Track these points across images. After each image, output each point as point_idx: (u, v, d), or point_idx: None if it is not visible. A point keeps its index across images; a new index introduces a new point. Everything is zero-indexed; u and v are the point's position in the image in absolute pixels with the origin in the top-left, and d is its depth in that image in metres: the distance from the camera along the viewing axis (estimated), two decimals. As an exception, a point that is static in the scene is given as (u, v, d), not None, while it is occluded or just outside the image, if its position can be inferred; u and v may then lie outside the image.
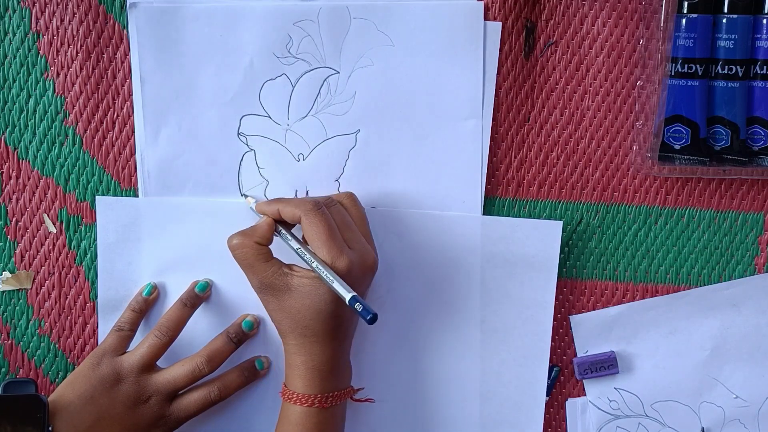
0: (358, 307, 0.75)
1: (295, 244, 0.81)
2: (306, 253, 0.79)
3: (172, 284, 0.89)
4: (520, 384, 0.90)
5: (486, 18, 0.87)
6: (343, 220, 0.81)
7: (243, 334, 0.88)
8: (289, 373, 0.82)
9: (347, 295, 0.76)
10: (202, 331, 0.89)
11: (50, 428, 0.78)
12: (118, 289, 0.89)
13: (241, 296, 0.89)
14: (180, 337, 0.87)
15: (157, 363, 0.86)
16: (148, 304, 0.89)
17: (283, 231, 0.82)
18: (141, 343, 0.85)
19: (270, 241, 0.82)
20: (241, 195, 0.88)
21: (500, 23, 0.87)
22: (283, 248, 0.82)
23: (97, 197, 0.88)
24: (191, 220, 0.89)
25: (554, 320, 0.90)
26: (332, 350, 0.81)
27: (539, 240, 0.89)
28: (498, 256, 0.89)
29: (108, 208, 0.88)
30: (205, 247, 0.88)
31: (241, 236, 0.81)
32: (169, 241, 0.89)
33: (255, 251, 0.80)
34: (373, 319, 0.75)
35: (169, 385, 0.84)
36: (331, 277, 0.77)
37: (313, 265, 0.78)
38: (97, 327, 0.90)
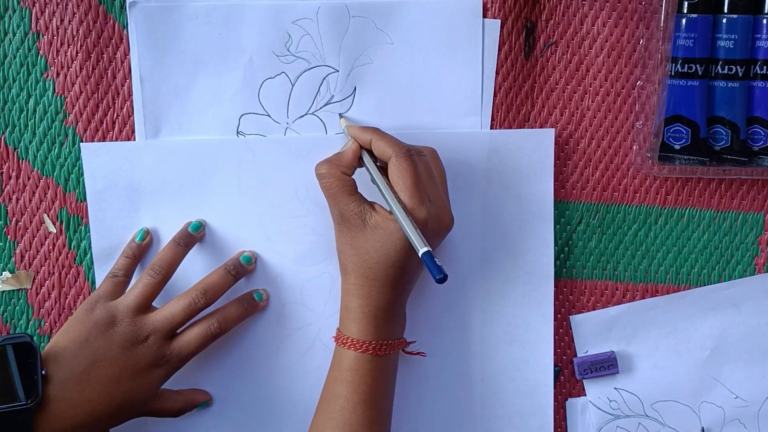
0: (429, 263, 0.74)
1: (380, 180, 0.80)
2: (389, 193, 0.79)
3: (166, 229, 0.88)
4: (525, 301, 0.90)
5: (485, 17, 0.87)
6: (429, 174, 0.81)
7: (241, 268, 0.87)
8: (344, 317, 0.82)
9: (422, 248, 0.75)
10: (198, 274, 0.88)
11: (43, 372, 0.76)
12: (111, 238, 0.88)
13: (237, 237, 0.89)
14: (176, 281, 0.85)
15: (153, 305, 0.84)
16: (141, 249, 0.87)
17: (369, 162, 0.82)
18: (135, 285, 0.84)
19: (354, 170, 0.82)
20: (339, 115, 0.87)
21: (499, 20, 0.87)
22: (365, 182, 0.82)
23: (81, 144, 0.88)
24: (181, 161, 0.88)
25: (554, 320, 0.90)
26: (390, 298, 0.81)
27: (533, 150, 0.89)
28: (493, 170, 0.89)
29: (93, 155, 0.88)
30: (198, 188, 0.88)
31: (328, 165, 0.81)
32: (161, 185, 0.88)
33: (340, 182, 0.80)
34: (442, 279, 0.74)
35: (166, 322, 0.82)
36: (410, 226, 0.76)
37: (393, 207, 0.77)
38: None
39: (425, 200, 0.78)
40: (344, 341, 0.81)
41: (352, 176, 0.82)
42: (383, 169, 0.81)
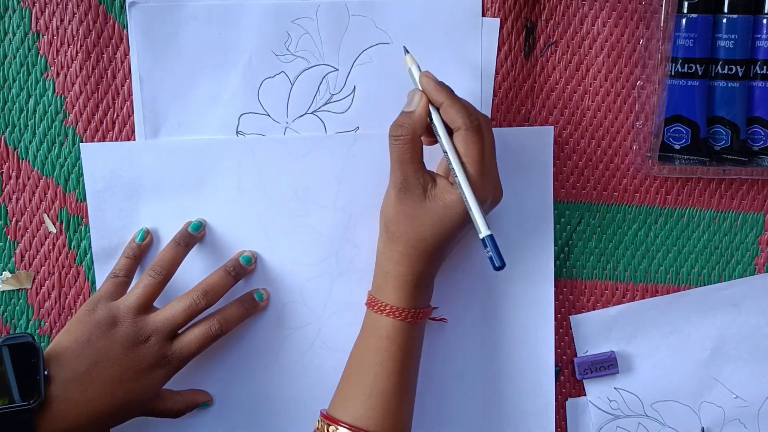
0: (488, 249, 0.74)
1: (451, 150, 0.78)
2: (458, 167, 0.77)
3: (166, 229, 0.88)
4: (525, 302, 0.90)
5: (484, 16, 0.87)
6: (491, 149, 0.80)
7: (241, 268, 0.87)
8: (382, 285, 0.81)
9: (484, 231, 0.75)
10: (198, 274, 0.88)
11: (45, 373, 0.76)
12: (111, 238, 0.88)
13: (237, 237, 0.88)
14: (177, 281, 0.85)
15: (155, 305, 0.84)
16: (141, 249, 0.87)
17: (441, 129, 0.79)
18: (135, 285, 0.83)
19: (427, 130, 0.80)
20: (405, 50, 0.83)
21: (498, 19, 0.87)
22: None
23: (81, 144, 0.88)
24: (181, 161, 0.88)
25: (554, 320, 0.90)
26: (432, 268, 0.81)
27: (533, 147, 0.89)
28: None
29: (93, 155, 0.88)
30: (198, 188, 0.88)
31: (405, 128, 0.78)
32: (160, 185, 0.88)
33: (414, 147, 0.78)
34: (500, 267, 0.74)
35: (167, 322, 0.82)
36: (475, 205, 0.76)
37: (462, 183, 0.76)
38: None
39: (488, 178, 0.78)
40: (382, 308, 0.81)
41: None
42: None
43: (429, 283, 0.83)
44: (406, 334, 0.80)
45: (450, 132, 0.79)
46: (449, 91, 0.80)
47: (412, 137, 0.78)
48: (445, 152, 0.78)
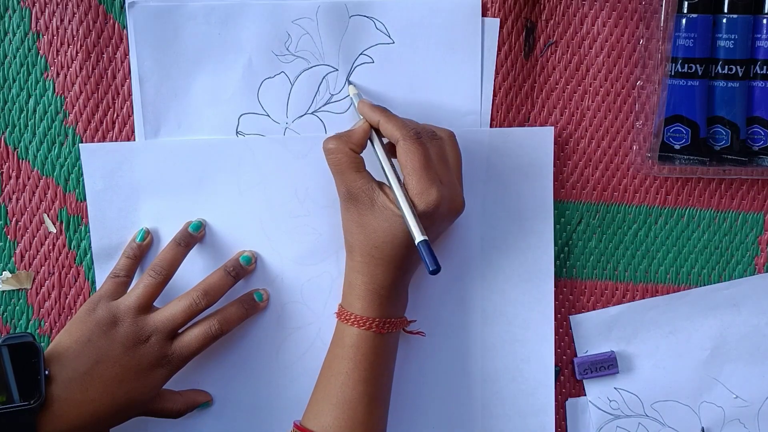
0: (425, 253, 0.75)
1: (386, 164, 0.80)
2: (392, 176, 0.78)
3: (165, 229, 0.88)
4: (525, 302, 0.90)
5: (484, 16, 0.87)
6: (441, 156, 0.80)
7: (241, 268, 0.87)
8: (348, 293, 0.82)
9: (418, 237, 0.75)
10: (198, 274, 0.88)
11: (46, 373, 0.76)
12: (111, 238, 0.88)
13: (237, 237, 0.89)
14: (177, 281, 0.85)
15: (155, 305, 0.84)
16: (142, 249, 0.87)
17: (377, 145, 0.81)
18: (136, 285, 0.84)
19: (363, 148, 0.81)
20: (347, 81, 0.87)
21: (498, 20, 0.87)
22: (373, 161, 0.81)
23: (80, 145, 0.88)
24: (181, 161, 0.88)
25: (554, 320, 0.90)
26: (395, 277, 0.81)
27: (533, 148, 0.89)
28: (493, 168, 0.89)
29: (93, 155, 0.88)
30: (198, 188, 0.88)
31: (337, 141, 0.80)
32: (160, 185, 0.88)
33: (348, 158, 0.80)
34: (435, 271, 0.74)
35: (167, 322, 0.82)
36: (409, 212, 0.76)
37: (395, 191, 0.77)
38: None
39: (436, 183, 0.78)
40: (347, 317, 0.81)
41: (361, 155, 0.81)
42: (392, 151, 0.80)
43: (398, 294, 0.82)
44: (373, 344, 0.80)
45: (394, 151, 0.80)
46: (384, 110, 0.82)
47: (344, 148, 0.80)
48: (384, 171, 0.79)
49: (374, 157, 0.81)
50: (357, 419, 0.79)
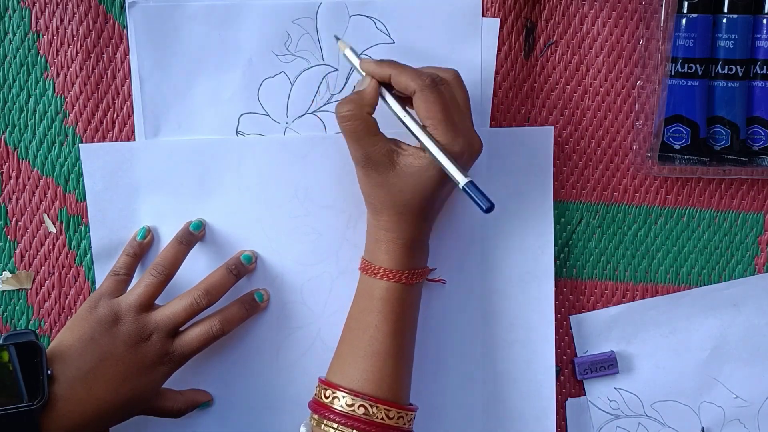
0: (474, 193, 0.73)
1: (408, 117, 0.78)
2: (418, 130, 0.77)
3: (165, 229, 0.88)
4: (525, 302, 0.90)
5: (484, 16, 0.87)
6: (453, 101, 0.79)
7: (242, 267, 0.87)
8: (373, 249, 0.81)
9: (463, 180, 0.74)
10: (198, 274, 0.87)
11: (49, 372, 0.76)
12: (111, 237, 0.88)
13: (237, 237, 0.89)
14: (177, 280, 0.85)
15: (156, 303, 0.84)
16: (142, 247, 0.87)
17: (392, 100, 0.79)
18: (137, 283, 0.84)
19: (375, 108, 0.79)
20: (335, 38, 0.85)
21: (498, 20, 0.87)
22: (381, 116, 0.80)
23: (80, 145, 0.88)
24: (181, 161, 0.88)
25: (554, 320, 0.90)
26: (421, 228, 0.81)
27: (533, 147, 0.89)
28: (493, 168, 0.89)
29: (93, 156, 0.88)
30: (198, 188, 0.88)
31: (351, 105, 0.78)
32: (160, 185, 0.88)
33: (365, 123, 0.78)
34: (490, 208, 0.73)
35: (168, 320, 0.82)
36: (446, 160, 0.75)
37: (427, 144, 0.76)
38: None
39: (458, 130, 0.77)
40: (375, 271, 0.81)
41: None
42: (405, 100, 0.79)
43: (422, 245, 0.82)
44: (401, 296, 0.80)
45: (409, 102, 0.78)
46: (393, 62, 0.80)
47: (360, 113, 0.78)
48: (407, 126, 0.78)
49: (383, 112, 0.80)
50: (385, 372, 0.79)
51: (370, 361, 0.79)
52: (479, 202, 0.73)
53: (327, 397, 0.79)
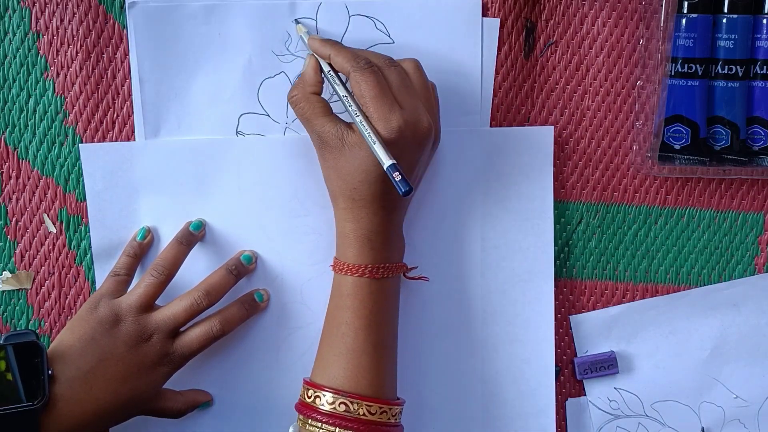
0: (396, 176, 0.73)
1: (342, 91, 0.79)
2: (349, 104, 0.77)
3: (165, 229, 0.88)
4: (525, 302, 0.90)
5: (484, 16, 0.87)
6: (402, 83, 0.79)
7: (242, 267, 0.87)
8: (340, 244, 0.81)
9: (386, 162, 0.74)
10: (198, 274, 0.87)
11: (50, 372, 0.76)
12: (111, 237, 0.88)
13: (237, 237, 0.89)
14: (177, 280, 0.85)
15: (156, 303, 0.84)
16: (142, 248, 0.87)
17: (331, 73, 0.80)
18: (138, 284, 0.84)
19: (321, 87, 0.81)
20: (294, 21, 0.86)
21: (498, 20, 0.87)
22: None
23: (80, 145, 0.88)
24: (181, 161, 0.88)
25: (554, 320, 0.90)
26: (381, 219, 0.80)
27: (533, 147, 0.89)
28: (493, 168, 0.89)
29: (93, 156, 0.88)
30: (198, 188, 0.88)
31: (296, 88, 0.80)
32: (160, 185, 0.88)
33: (311, 103, 0.79)
34: (406, 192, 0.73)
35: (168, 321, 0.82)
36: (373, 137, 0.75)
37: (357, 119, 0.76)
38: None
39: (395, 108, 0.76)
40: (341, 267, 0.81)
41: (323, 96, 0.81)
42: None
43: (389, 236, 0.82)
44: (370, 291, 0.80)
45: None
46: (335, 43, 0.81)
47: (304, 94, 0.80)
48: (340, 97, 0.78)
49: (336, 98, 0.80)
50: (362, 367, 0.79)
51: (347, 358, 0.79)
52: (398, 185, 0.73)
53: (309, 397, 0.79)
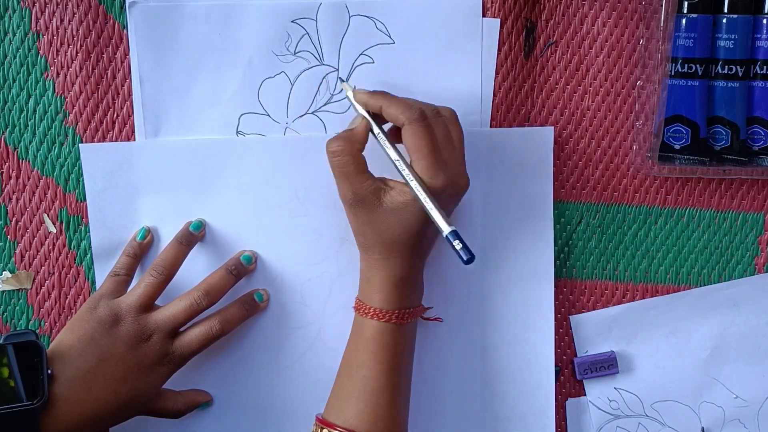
0: (457, 245, 0.74)
1: (394, 154, 0.78)
2: (404, 167, 0.77)
3: (166, 229, 0.88)
4: (525, 302, 0.90)
5: (484, 16, 0.87)
6: (446, 137, 0.79)
7: (242, 267, 0.87)
8: (365, 288, 0.81)
9: (446, 228, 0.74)
10: (198, 274, 0.87)
11: (49, 372, 0.76)
12: (111, 237, 0.88)
13: (237, 237, 0.89)
14: (177, 280, 0.85)
15: (156, 303, 0.84)
16: (142, 248, 0.87)
17: (381, 136, 0.80)
18: (137, 284, 0.84)
19: (365, 145, 0.80)
20: (339, 79, 0.87)
21: (498, 20, 0.87)
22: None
23: (80, 145, 0.88)
24: (181, 161, 0.88)
25: (554, 320, 0.90)
26: (412, 266, 0.81)
27: (533, 148, 0.89)
28: (493, 168, 0.89)
29: (93, 156, 0.88)
30: (198, 188, 0.88)
31: (342, 142, 0.79)
32: (160, 185, 0.88)
33: (355, 160, 0.78)
34: (470, 260, 0.73)
35: (168, 321, 0.82)
36: (430, 204, 0.75)
37: (412, 183, 0.76)
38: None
39: (442, 167, 0.77)
40: (366, 311, 0.81)
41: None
42: (396, 135, 0.79)
43: (415, 283, 0.82)
44: (391, 336, 0.80)
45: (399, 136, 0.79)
46: (385, 94, 0.80)
47: (350, 149, 0.79)
48: (393, 161, 0.78)
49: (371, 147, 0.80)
50: (380, 411, 0.79)
51: (365, 401, 0.80)
52: (460, 255, 0.74)
53: None
